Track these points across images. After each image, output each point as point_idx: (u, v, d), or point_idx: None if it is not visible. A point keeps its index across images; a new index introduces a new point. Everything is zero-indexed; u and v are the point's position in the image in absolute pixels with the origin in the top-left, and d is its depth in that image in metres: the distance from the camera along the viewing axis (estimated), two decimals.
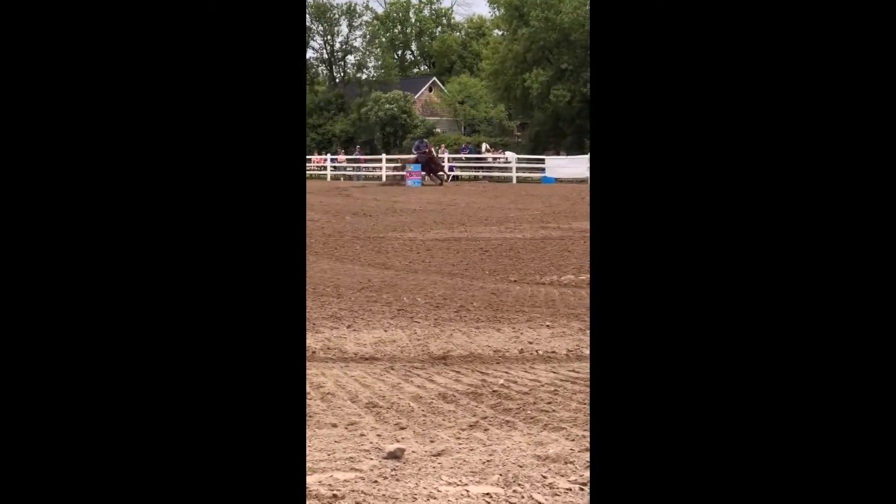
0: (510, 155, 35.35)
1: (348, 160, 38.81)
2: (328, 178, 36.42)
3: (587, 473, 2.93)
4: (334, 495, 2.84)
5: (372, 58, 51.45)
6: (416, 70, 57.01)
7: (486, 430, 3.71)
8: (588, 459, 2.68)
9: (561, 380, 4.58)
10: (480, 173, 34.48)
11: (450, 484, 2.95)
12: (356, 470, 3.11)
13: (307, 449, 3.36)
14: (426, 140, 32.59)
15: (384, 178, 32.95)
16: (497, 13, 45.31)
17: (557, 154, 35.76)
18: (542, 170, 32.75)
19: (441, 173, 30.21)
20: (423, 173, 29.92)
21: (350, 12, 50.08)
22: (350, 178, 36.43)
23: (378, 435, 3.60)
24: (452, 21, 56.43)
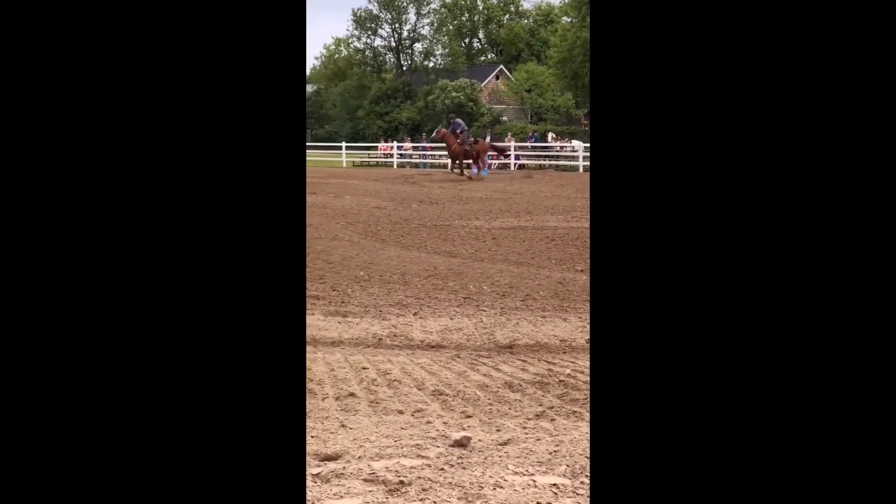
0: (577, 144, 35.01)
1: (414, 148, 38.93)
2: (395, 166, 36.59)
3: None
4: (401, 482, 2.85)
5: (439, 45, 51.47)
6: (483, 58, 56.86)
7: (552, 420, 3.69)
8: None
9: None
10: (547, 162, 34.27)
11: (516, 473, 2.94)
12: (423, 457, 3.12)
13: (374, 434, 3.39)
14: (460, 121, 28.81)
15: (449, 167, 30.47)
16: (566, 0, 44.91)
17: None
18: None
19: (467, 162, 25.96)
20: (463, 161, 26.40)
21: (418, 0, 50.16)
22: (416, 165, 36.54)
23: (444, 423, 3.61)
24: (520, 8, 56.09)
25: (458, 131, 26.19)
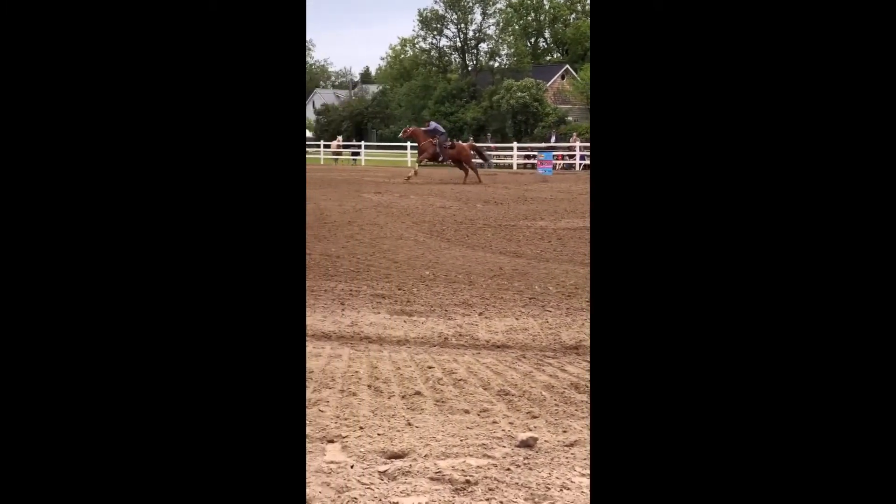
0: None
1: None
2: None
3: None
4: (467, 481, 2.85)
5: (505, 45, 51.42)
6: (548, 58, 56.60)
7: None
8: None
9: None
10: None
11: (583, 475, 2.92)
12: (489, 457, 3.12)
13: (440, 433, 3.40)
14: (435, 124, 26.41)
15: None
16: None
17: None
18: None
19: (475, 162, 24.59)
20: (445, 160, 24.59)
21: (484, 0, 50.15)
22: (480, 165, 36.53)
23: (510, 423, 3.60)
24: (587, 8, 55.61)
25: (433, 135, 24.39)
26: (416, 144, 25.68)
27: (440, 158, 24.32)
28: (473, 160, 25.09)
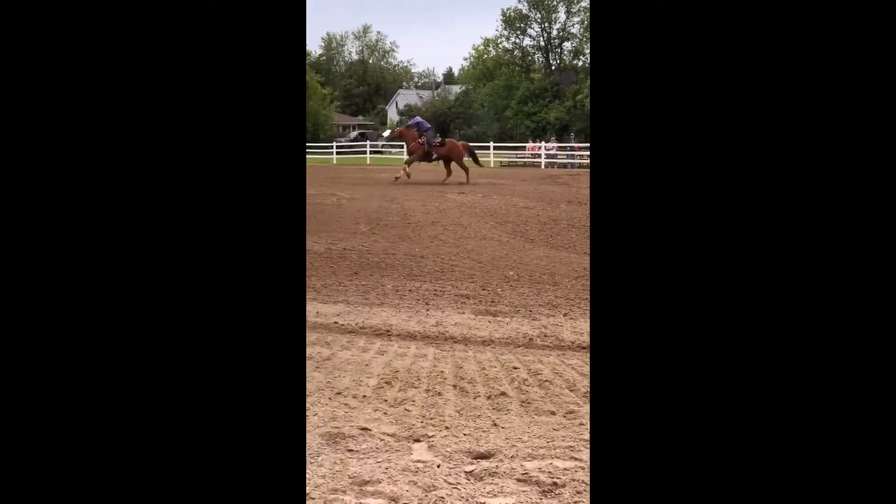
0: None
1: (560, 148, 38.66)
2: (542, 166, 36.48)
3: None
4: (554, 483, 2.83)
5: (589, 44, 50.93)
6: None
7: None
8: None
9: None
10: None
11: None
12: (575, 459, 3.09)
13: (526, 435, 3.39)
14: (420, 119, 24.62)
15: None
16: None
17: None
18: None
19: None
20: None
21: None
22: (564, 165, 36.30)
23: None
24: None
25: (422, 131, 22.79)
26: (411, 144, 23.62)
27: (432, 156, 22.90)
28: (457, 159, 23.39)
